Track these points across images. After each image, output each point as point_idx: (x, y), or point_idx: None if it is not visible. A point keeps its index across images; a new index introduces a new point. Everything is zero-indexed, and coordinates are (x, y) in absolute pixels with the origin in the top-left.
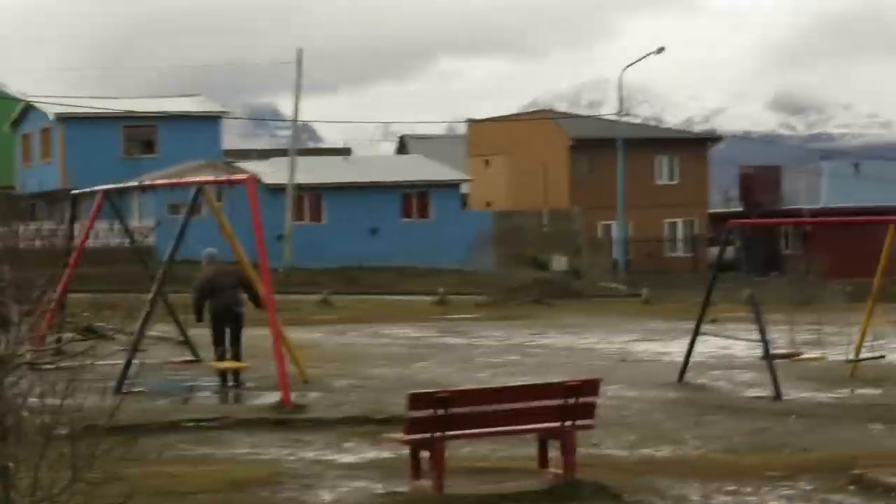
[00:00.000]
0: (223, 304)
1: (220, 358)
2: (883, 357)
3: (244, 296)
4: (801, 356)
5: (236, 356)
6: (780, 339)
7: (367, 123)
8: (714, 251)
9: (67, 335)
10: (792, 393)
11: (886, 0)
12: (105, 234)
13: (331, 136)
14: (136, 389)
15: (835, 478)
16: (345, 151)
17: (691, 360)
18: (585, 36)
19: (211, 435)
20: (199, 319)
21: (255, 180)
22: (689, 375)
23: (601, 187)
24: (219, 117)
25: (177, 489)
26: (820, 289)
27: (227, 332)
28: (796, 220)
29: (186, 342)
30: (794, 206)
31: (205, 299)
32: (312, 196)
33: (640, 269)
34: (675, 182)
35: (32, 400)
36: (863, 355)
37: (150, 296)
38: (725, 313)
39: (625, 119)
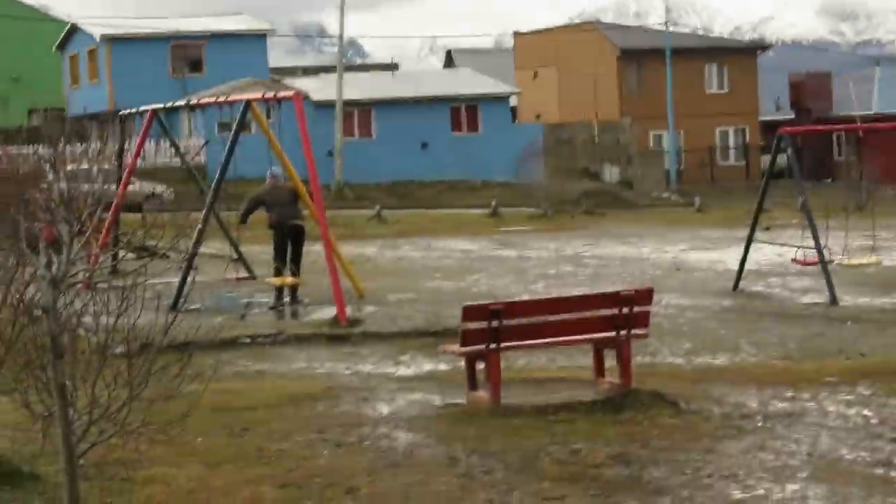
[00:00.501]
0: (280, 218)
1: (277, 273)
2: None
3: (305, 210)
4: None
5: (295, 272)
6: (835, 245)
7: (413, 38)
8: (766, 159)
9: (121, 254)
10: (847, 299)
11: None
12: (155, 153)
13: (378, 52)
14: (191, 307)
15: (893, 382)
16: (392, 67)
17: (746, 267)
18: None
19: (267, 351)
20: (243, 221)
21: (302, 96)
22: (743, 283)
23: (651, 97)
24: (265, 35)
25: (234, 405)
26: (873, 194)
27: (289, 247)
28: (848, 126)
29: (240, 259)
30: (846, 113)
31: (252, 208)
32: (362, 112)
33: (693, 179)
34: (725, 91)
35: (87, 319)
36: None
37: (202, 214)
38: (779, 220)
39: (672, 28)
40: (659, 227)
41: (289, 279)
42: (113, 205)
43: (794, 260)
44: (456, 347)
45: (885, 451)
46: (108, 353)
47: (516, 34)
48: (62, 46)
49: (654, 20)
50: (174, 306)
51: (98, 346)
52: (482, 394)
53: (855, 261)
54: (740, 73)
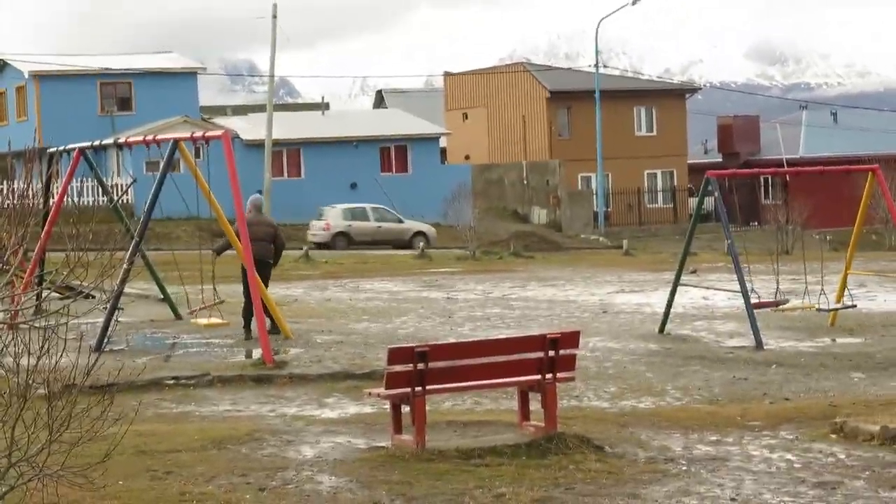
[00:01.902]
0: (256, 254)
1: (247, 310)
2: (854, 306)
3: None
4: (786, 306)
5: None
6: (761, 289)
7: (344, 78)
8: (693, 202)
9: (45, 293)
10: (772, 342)
11: None
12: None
13: (309, 92)
14: (115, 347)
15: (816, 427)
16: (323, 106)
17: (672, 310)
18: None
19: (191, 392)
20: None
21: (231, 136)
22: (670, 326)
23: (580, 139)
24: (195, 73)
25: (157, 447)
26: (799, 238)
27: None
28: (775, 170)
29: (166, 299)
30: (773, 156)
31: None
32: (291, 151)
33: (621, 221)
34: (653, 133)
35: (8, 359)
36: (834, 305)
37: (128, 253)
38: (705, 263)
39: (602, 71)
40: (587, 270)
41: (214, 320)
42: (38, 244)
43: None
44: (381, 390)
45: (808, 495)
46: (28, 395)
47: (446, 74)
48: None
49: (585, 62)
50: (98, 347)
51: (18, 387)
52: (407, 437)
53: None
54: (669, 115)
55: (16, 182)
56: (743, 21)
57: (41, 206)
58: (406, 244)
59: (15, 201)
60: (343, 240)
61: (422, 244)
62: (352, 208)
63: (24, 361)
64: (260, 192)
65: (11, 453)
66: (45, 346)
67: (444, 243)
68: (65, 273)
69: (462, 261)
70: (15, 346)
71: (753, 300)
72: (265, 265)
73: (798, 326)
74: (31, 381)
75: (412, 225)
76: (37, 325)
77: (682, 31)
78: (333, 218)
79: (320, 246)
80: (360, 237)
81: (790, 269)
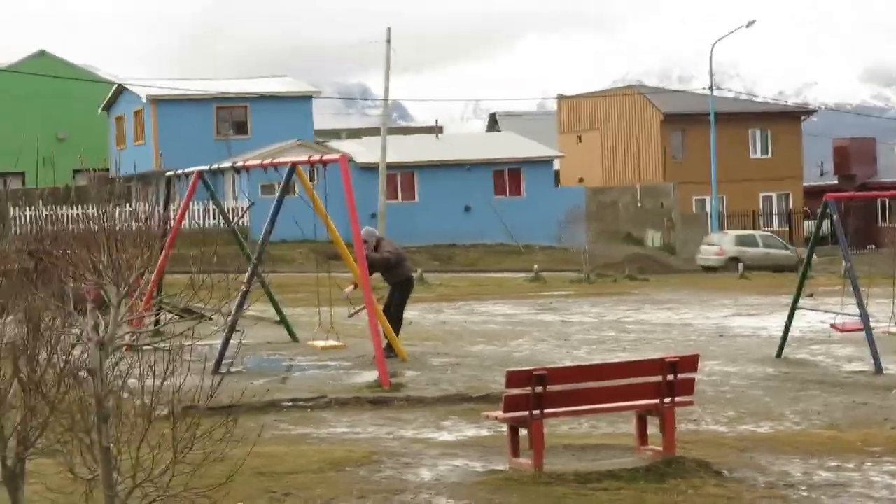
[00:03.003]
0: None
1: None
2: None
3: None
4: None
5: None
6: (880, 314)
7: (457, 101)
8: (810, 225)
9: (165, 316)
10: (892, 367)
11: None
12: (200, 214)
13: (421, 115)
14: (234, 369)
15: None
16: (436, 129)
17: (789, 334)
18: (678, 8)
19: (308, 414)
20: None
21: (347, 159)
22: (787, 350)
23: (694, 162)
24: (310, 97)
25: (277, 469)
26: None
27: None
28: (893, 192)
29: (283, 321)
30: (890, 179)
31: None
32: (405, 174)
33: None
34: (768, 156)
35: (132, 381)
36: None
37: (246, 276)
38: (822, 287)
39: (716, 93)
40: (702, 293)
41: (331, 342)
42: (157, 266)
43: (832, 325)
44: (499, 413)
45: None
46: (152, 416)
47: (560, 97)
48: (108, 107)
49: (698, 84)
50: (216, 369)
51: (143, 408)
52: (524, 460)
53: None
54: (784, 137)
55: (137, 204)
56: (857, 43)
57: (163, 230)
58: (791, 269)
59: (141, 223)
60: (734, 264)
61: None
62: (742, 235)
63: (147, 383)
64: (374, 215)
65: (136, 474)
66: (169, 368)
67: (557, 266)
68: (185, 295)
69: (576, 284)
70: (140, 367)
71: (837, 323)
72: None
73: None
74: (154, 403)
75: (797, 252)
76: (158, 346)
77: (796, 54)
78: (727, 244)
79: (710, 269)
80: (750, 262)
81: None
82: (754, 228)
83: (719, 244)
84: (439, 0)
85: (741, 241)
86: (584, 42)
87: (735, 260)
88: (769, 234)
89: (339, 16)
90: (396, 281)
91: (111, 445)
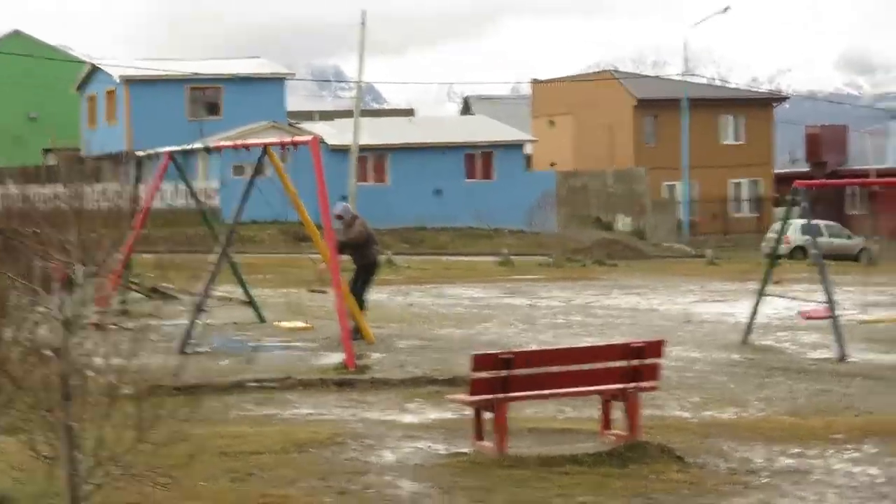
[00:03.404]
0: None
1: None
2: None
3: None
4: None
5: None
6: (846, 300)
7: (430, 84)
8: (779, 212)
9: (133, 296)
10: (857, 355)
11: None
12: (170, 195)
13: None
14: (200, 350)
15: None
16: (408, 112)
17: (756, 321)
18: None
19: (274, 395)
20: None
21: (318, 141)
22: (753, 337)
23: (666, 147)
24: (283, 79)
25: (240, 449)
26: (886, 249)
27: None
28: (863, 180)
29: (251, 303)
30: (861, 167)
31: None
32: (376, 157)
33: (705, 230)
34: (740, 142)
35: (97, 360)
36: None
37: (214, 257)
38: (791, 274)
39: (689, 79)
40: (670, 279)
41: (297, 323)
42: (126, 246)
43: (801, 313)
44: (464, 396)
45: None
46: (116, 395)
47: (533, 82)
48: (81, 87)
49: (672, 70)
50: (182, 349)
51: (107, 387)
52: (488, 444)
53: (869, 317)
54: (756, 124)
55: (107, 184)
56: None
57: (132, 209)
58: (854, 258)
59: (108, 203)
60: (800, 253)
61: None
62: (808, 225)
63: (112, 362)
64: (344, 197)
65: (99, 453)
66: (134, 348)
67: (527, 250)
68: (153, 275)
69: (545, 268)
70: (104, 346)
71: (805, 309)
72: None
73: (882, 339)
74: (119, 382)
75: (858, 242)
76: (124, 326)
77: (770, 41)
78: (792, 233)
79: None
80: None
81: (876, 280)
82: (724, 216)
83: (786, 233)
84: None
85: (807, 230)
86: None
87: (801, 249)
88: (833, 224)
89: None
90: (364, 262)
91: (74, 424)
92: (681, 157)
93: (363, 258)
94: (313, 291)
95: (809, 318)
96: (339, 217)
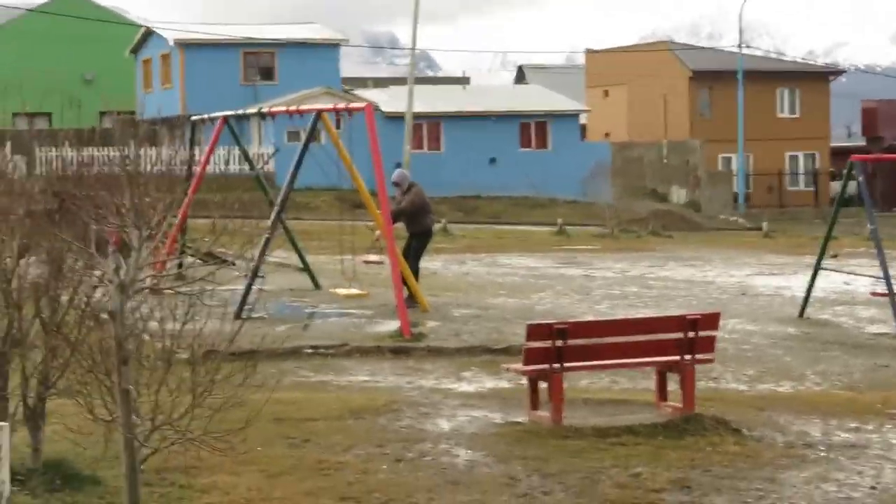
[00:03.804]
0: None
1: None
2: None
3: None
4: None
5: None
6: None
7: (485, 52)
8: (836, 185)
9: (188, 260)
10: None
11: None
12: (224, 159)
13: (449, 66)
14: (255, 315)
15: None
16: (463, 80)
17: (812, 295)
18: None
19: (329, 362)
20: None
21: (373, 108)
22: (809, 311)
23: (721, 120)
24: (337, 45)
25: (296, 415)
26: None
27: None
28: None
29: (306, 269)
30: None
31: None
32: (431, 125)
33: (761, 203)
34: (796, 115)
35: (153, 325)
36: None
37: (269, 222)
38: (847, 248)
39: (745, 51)
40: (726, 251)
41: (353, 290)
42: (181, 210)
43: (873, 293)
44: (519, 366)
45: None
46: (172, 360)
47: (588, 52)
48: (136, 50)
49: (727, 42)
50: (238, 314)
51: (163, 352)
52: (543, 413)
53: None
54: (812, 97)
55: (162, 149)
56: (890, 3)
57: (186, 174)
58: None
59: (162, 168)
60: None
61: None
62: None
63: (168, 327)
64: (399, 164)
65: (155, 417)
66: (189, 312)
67: (582, 220)
68: (208, 240)
69: (600, 238)
70: (160, 311)
71: (877, 290)
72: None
73: None
74: (174, 347)
75: None
76: (181, 291)
77: (827, 13)
78: None
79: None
80: None
81: None
82: (780, 189)
83: None
84: None
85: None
86: None
87: None
88: None
89: None
90: (418, 230)
91: (131, 388)
92: (736, 129)
93: (418, 226)
94: (368, 263)
95: (880, 295)
96: (396, 184)
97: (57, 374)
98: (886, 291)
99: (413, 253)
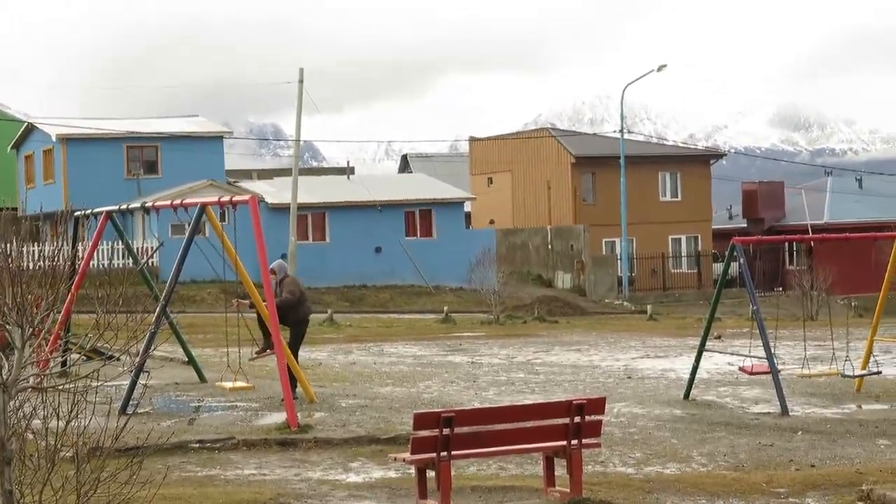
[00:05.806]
0: (308, 313)
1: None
2: (880, 373)
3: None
4: (813, 371)
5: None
6: (787, 356)
7: (369, 142)
8: (718, 267)
9: (72, 357)
10: (798, 409)
11: (892, 17)
12: (108, 254)
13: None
14: (141, 410)
15: (842, 494)
16: (348, 170)
17: (697, 376)
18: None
19: (216, 456)
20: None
21: (257, 200)
22: (694, 392)
23: (605, 204)
24: (221, 137)
25: None
26: (825, 304)
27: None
28: (800, 236)
29: (192, 363)
30: (798, 222)
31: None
32: (316, 215)
33: (645, 286)
34: (678, 199)
35: (37, 423)
36: (860, 371)
37: (154, 316)
38: (730, 329)
39: (627, 136)
40: (611, 335)
41: (239, 383)
42: (64, 307)
43: (741, 368)
44: (406, 455)
45: None
46: (56, 459)
47: (472, 139)
48: (17, 146)
49: (610, 127)
50: (123, 409)
51: (47, 450)
52: (432, 502)
53: (813, 371)
54: (694, 181)
55: (45, 245)
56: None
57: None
58: None
59: (45, 264)
60: None
61: None
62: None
63: (52, 424)
64: (284, 255)
65: None
66: (74, 410)
67: (468, 307)
68: (92, 337)
69: (486, 325)
70: (44, 409)
71: (746, 365)
72: (307, 324)
73: (824, 393)
74: (59, 445)
75: None
76: (64, 388)
77: (707, 98)
78: None
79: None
80: None
81: (815, 334)
82: (664, 272)
83: None
84: (355, 42)
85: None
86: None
87: None
88: None
89: (255, 56)
90: (296, 319)
91: (14, 488)
92: (619, 213)
93: (296, 314)
94: (253, 360)
95: (750, 373)
96: (273, 272)
97: None
98: (753, 367)
99: (291, 342)
